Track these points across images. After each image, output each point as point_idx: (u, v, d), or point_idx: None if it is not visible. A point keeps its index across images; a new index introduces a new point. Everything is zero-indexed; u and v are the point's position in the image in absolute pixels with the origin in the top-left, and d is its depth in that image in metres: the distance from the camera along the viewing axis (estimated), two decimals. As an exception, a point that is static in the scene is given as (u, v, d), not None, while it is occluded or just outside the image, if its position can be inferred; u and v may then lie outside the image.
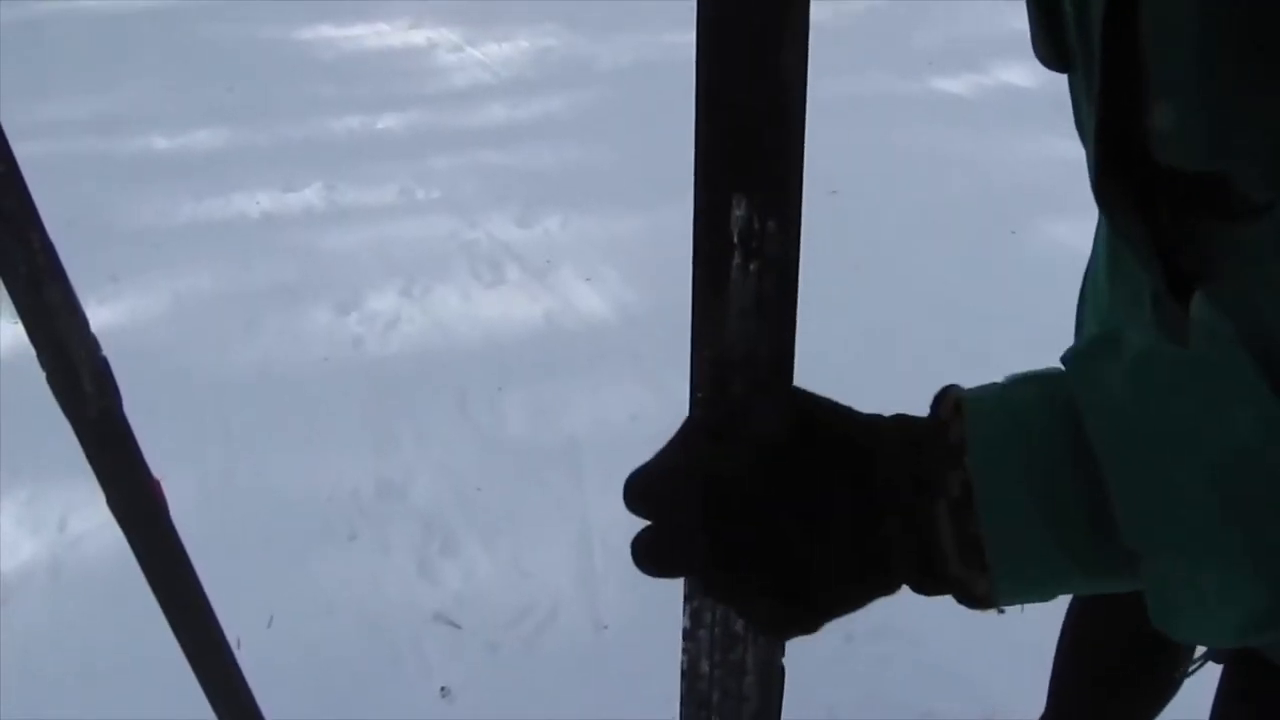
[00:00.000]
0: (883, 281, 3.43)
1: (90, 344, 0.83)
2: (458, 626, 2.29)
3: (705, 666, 0.67)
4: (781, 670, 0.69)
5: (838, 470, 0.55)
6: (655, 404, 2.80)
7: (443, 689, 2.14)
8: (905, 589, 0.57)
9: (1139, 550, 0.50)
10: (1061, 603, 1.52)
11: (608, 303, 3.43)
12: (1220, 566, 0.49)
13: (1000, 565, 0.52)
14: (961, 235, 3.70)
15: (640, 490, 0.57)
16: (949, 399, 0.56)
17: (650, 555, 0.57)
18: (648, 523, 0.57)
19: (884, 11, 6.25)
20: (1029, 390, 0.55)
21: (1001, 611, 0.57)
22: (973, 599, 0.55)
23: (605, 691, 2.08)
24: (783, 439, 0.55)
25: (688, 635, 0.67)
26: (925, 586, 0.56)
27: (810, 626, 0.59)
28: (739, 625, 0.66)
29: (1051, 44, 0.79)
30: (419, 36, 6.31)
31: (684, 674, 0.69)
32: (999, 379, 0.57)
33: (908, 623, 2.20)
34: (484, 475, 2.71)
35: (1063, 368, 0.55)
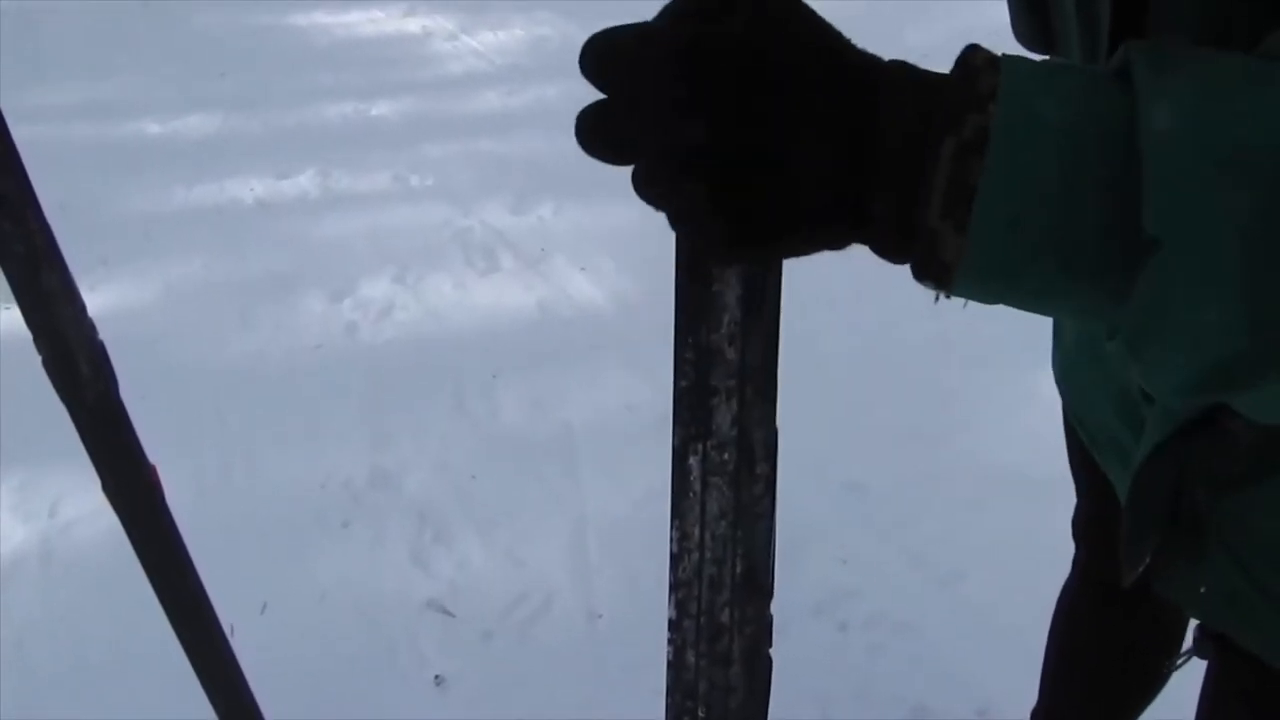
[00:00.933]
0: (877, 276, 3.42)
1: (87, 328, 0.82)
2: (451, 615, 2.29)
3: (691, 657, 0.67)
4: (768, 660, 0.69)
5: (836, 78, 0.48)
6: (649, 393, 2.79)
7: (436, 677, 2.14)
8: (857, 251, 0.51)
9: (1160, 238, 0.44)
10: (1052, 596, 1.53)
11: (602, 291, 3.43)
12: (1223, 285, 0.45)
13: (985, 226, 0.46)
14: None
15: (603, 49, 0.50)
16: (980, 54, 0.48)
17: (599, 129, 0.50)
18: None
19: (878, 8, 6.24)
20: (1081, 70, 0.49)
21: (948, 297, 0.51)
22: (932, 264, 0.49)
23: (599, 681, 2.09)
24: (777, 31, 0.48)
25: (673, 626, 0.67)
26: (888, 236, 0.50)
27: (753, 257, 0.52)
28: (725, 616, 0.66)
29: (1033, 24, 0.78)
30: (414, 24, 6.29)
31: (670, 665, 0.69)
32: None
33: (901, 615, 2.20)
34: (478, 464, 2.71)
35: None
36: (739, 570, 0.64)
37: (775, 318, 0.57)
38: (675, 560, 0.64)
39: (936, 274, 0.49)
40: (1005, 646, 2.08)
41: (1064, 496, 1.37)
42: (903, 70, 0.49)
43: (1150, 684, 1.47)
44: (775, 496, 0.63)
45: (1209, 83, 0.45)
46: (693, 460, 0.60)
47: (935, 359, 2.98)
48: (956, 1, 5.94)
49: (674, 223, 0.51)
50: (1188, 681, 1.11)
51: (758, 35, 0.47)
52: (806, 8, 0.50)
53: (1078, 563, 1.46)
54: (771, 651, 0.69)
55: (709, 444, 0.60)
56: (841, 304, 3.20)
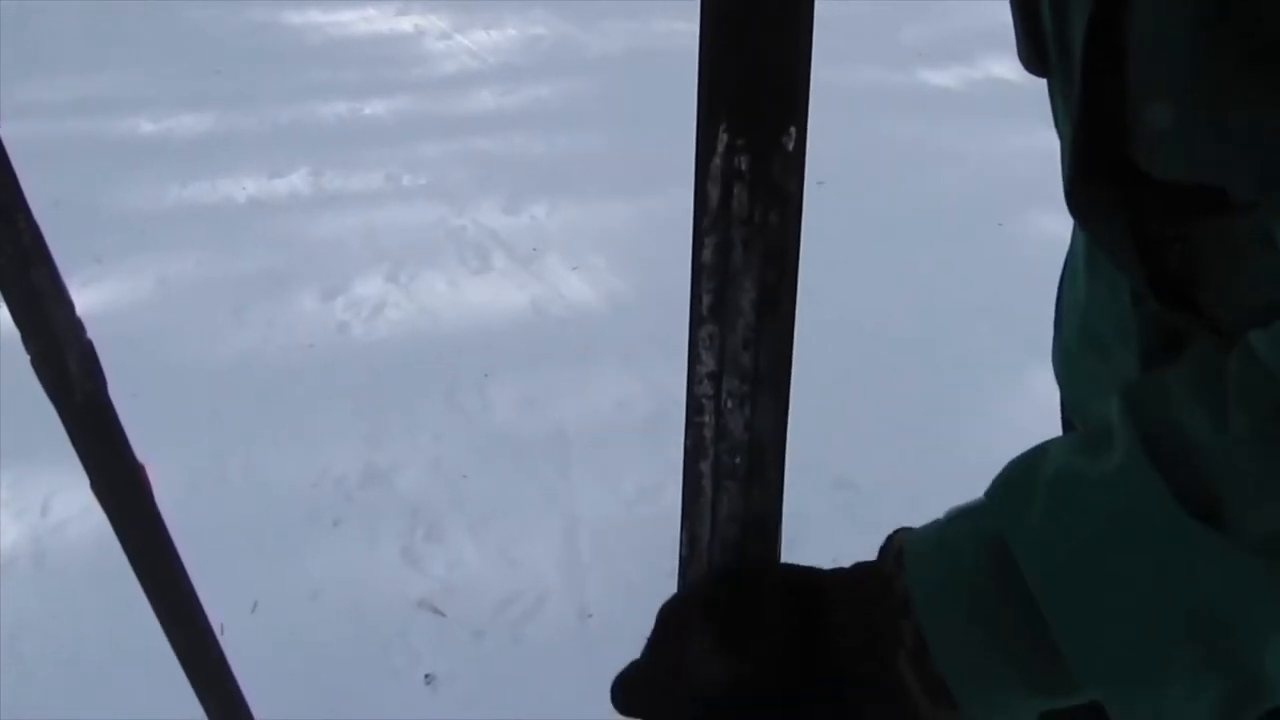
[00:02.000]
0: (870, 273, 3.44)
1: (76, 328, 0.82)
2: (443, 614, 2.29)
3: None
4: None
5: (809, 634, 0.58)
6: (641, 391, 2.80)
7: (427, 676, 2.15)
8: None
9: (1089, 683, 0.52)
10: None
11: (595, 291, 3.43)
12: (1171, 681, 0.51)
13: (966, 702, 0.54)
14: (949, 227, 3.71)
15: (629, 696, 0.63)
16: (892, 548, 0.59)
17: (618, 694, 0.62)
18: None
19: (874, 4, 6.25)
20: (964, 529, 0.57)
21: None
22: None
23: (590, 680, 2.08)
24: (755, 614, 0.60)
25: None
26: None
27: None
28: None
29: (1032, 48, 0.79)
30: (407, 23, 6.29)
31: None
32: (940, 515, 0.60)
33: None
34: (470, 463, 2.71)
35: (991, 494, 0.57)
36: None
37: (790, 322, 0.57)
38: (684, 563, 0.64)
39: None
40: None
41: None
42: (846, 596, 0.59)
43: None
44: (782, 499, 0.63)
45: (1051, 510, 0.53)
46: (704, 464, 0.60)
47: (926, 357, 2.98)
48: (953, 1, 5.96)
49: None
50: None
51: (741, 637, 0.59)
52: (772, 579, 0.62)
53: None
54: None
55: (721, 447, 0.60)
56: (832, 301, 3.20)
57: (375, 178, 4.35)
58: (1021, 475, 0.55)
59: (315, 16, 6.41)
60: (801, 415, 2.71)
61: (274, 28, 6.26)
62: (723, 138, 0.52)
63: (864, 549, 2.31)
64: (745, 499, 0.61)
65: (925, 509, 2.31)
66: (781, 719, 0.58)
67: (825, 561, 2.26)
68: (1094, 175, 0.66)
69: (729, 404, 0.58)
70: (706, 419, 0.59)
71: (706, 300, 0.55)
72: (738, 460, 0.60)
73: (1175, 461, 0.50)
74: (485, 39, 5.96)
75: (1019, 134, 4.25)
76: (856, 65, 5.24)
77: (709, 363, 0.57)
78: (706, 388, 0.58)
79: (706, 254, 0.54)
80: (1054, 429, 1.27)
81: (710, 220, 0.53)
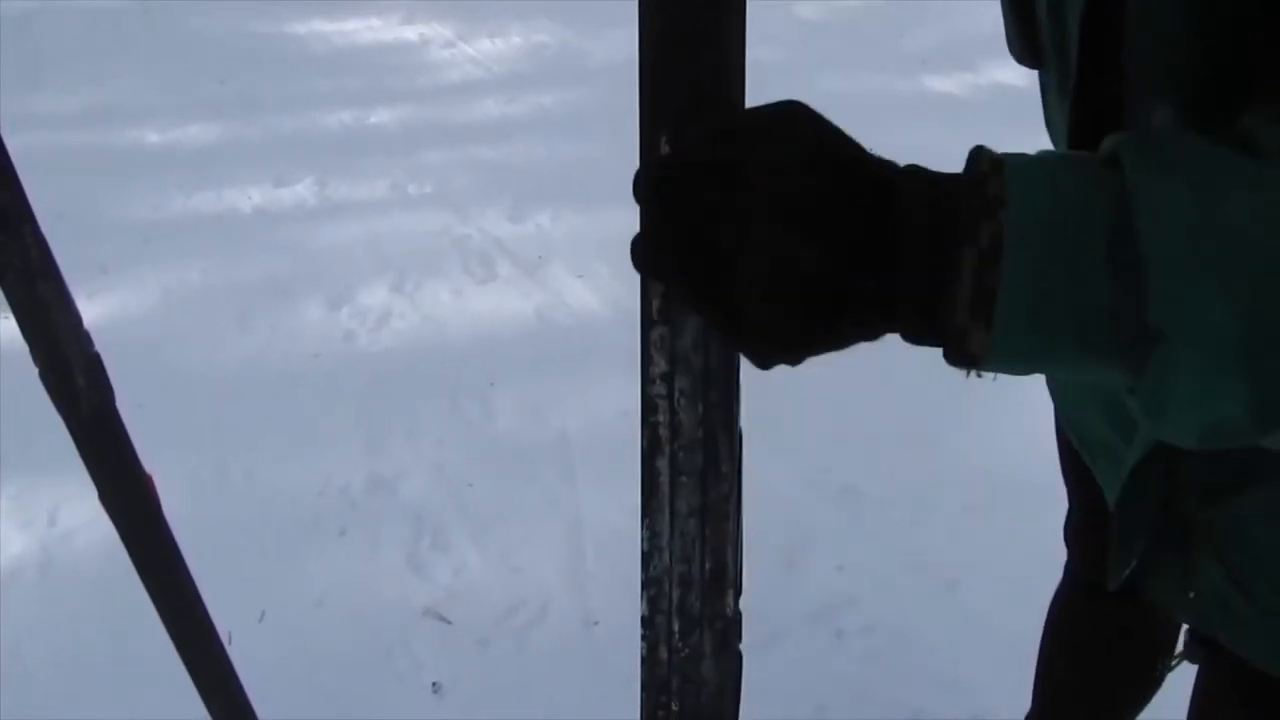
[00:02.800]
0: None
1: (83, 339, 0.83)
2: (448, 622, 2.29)
3: (664, 653, 0.69)
4: (739, 654, 0.70)
5: (863, 185, 0.54)
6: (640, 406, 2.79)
7: (434, 684, 2.15)
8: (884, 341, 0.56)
9: (1163, 329, 0.49)
10: (1048, 602, 1.53)
11: (599, 298, 3.43)
12: (1221, 374, 0.49)
13: (1007, 322, 0.51)
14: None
15: (644, 182, 0.55)
16: (988, 157, 0.54)
17: (645, 251, 0.56)
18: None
19: (877, 10, 6.26)
20: (1075, 161, 0.54)
21: (979, 376, 0.57)
22: (963, 353, 0.54)
23: (595, 688, 2.09)
24: (809, 145, 0.54)
25: (646, 623, 0.69)
26: (919, 331, 0.55)
27: (791, 359, 0.56)
28: (695, 611, 0.68)
29: (1025, 41, 0.80)
30: (411, 32, 6.30)
31: (644, 660, 0.70)
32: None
33: (897, 622, 2.20)
34: (475, 471, 2.71)
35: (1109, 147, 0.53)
36: (708, 567, 0.66)
37: None
38: (646, 558, 0.67)
39: (968, 362, 0.54)
40: (1001, 652, 2.08)
41: (1060, 502, 1.38)
42: (917, 178, 0.55)
43: (1144, 688, 1.47)
44: (741, 495, 0.65)
45: (1196, 184, 0.50)
46: (660, 461, 0.62)
47: (931, 364, 2.97)
48: (953, 4, 5.96)
49: (719, 326, 0.56)
50: (1181, 684, 1.12)
51: (781, 156, 0.53)
52: (826, 125, 0.56)
53: (1069, 567, 1.46)
54: (742, 647, 0.70)
55: (676, 445, 0.62)
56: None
57: (380, 186, 4.36)
58: (1152, 145, 0.52)
59: (320, 26, 6.42)
60: (808, 424, 2.74)
61: (279, 37, 6.27)
62: (664, 149, 0.55)
63: (871, 556, 2.34)
64: (702, 494, 0.63)
65: (932, 516, 2.34)
66: (818, 243, 0.52)
67: (831, 569, 2.28)
68: None
69: (681, 402, 0.60)
70: (661, 418, 0.61)
71: (655, 303, 0.58)
72: (693, 456, 0.62)
73: None
74: (490, 48, 5.97)
75: (1024, 140, 4.22)
76: (859, 72, 5.24)
77: (661, 363, 0.60)
78: (660, 388, 0.60)
79: None
80: (1057, 436, 1.27)
81: None
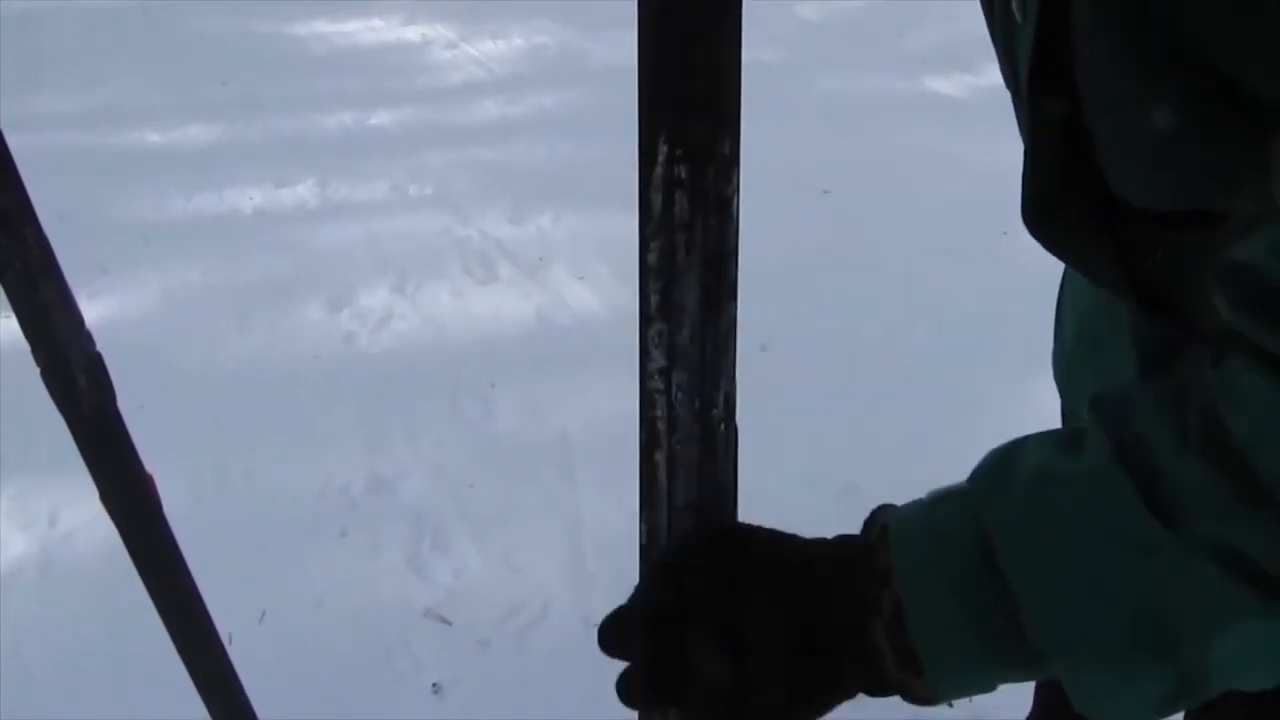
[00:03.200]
0: (875, 281, 3.44)
1: (84, 340, 0.83)
2: (448, 623, 2.29)
3: None
4: None
5: (789, 606, 0.62)
6: (638, 402, 2.80)
7: (434, 685, 2.15)
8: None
9: (1049, 653, 0.57)
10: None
11: (600, 300, 3.43)
12: (1123, 663, 0.56)
13: (934, 671, 0.59)
14: (954, 236, 3.71)
15: (614, 638, 0.66)
16: (877, 523, 0.63)
17: (634, 694, 0.66)
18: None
19: (877, 11, 6.26)
20: (948, 510, 0.61)
21: (951, 705, 0.65)
22: (914, 699, 0.62)
23: (595, 688, 2.08)
24: (743, 569, 0.63)
25: None
26: (874, 691, 0.63)
27: None
28: None
29: (1008, 76, 0.81)
30: (413, 32, 6.30)
31: None
32: (923, 495, 0.64)
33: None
34: (475, 472, 2.71)
35: (973, 480, 0.61)
36: None
37: (732, 317, 0.61)
38: (644, 552, 0.68)
39: (924, 703, 0.62)
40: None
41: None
42: (831, 565, 0.63)
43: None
44: (737, 489, 0.66)
45: (1035, 510, 0.57)
46: (659, 455, 0.64)
47: (932, 365, 2.98)
48: (954, 5, 5.96)
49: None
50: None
51: (723, 605, 0.62)
52: (757, 547, 0.65)
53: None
54: None
55: (674, 439, 0.63)
56: (840, 311, 3.21)
57: (381, 187, 4.36)
58: (1003, 465, 0.60)
59: (322, 26, 6.42)
60: (809, 423, 2.74)
61: (280, 38, 6.27)
62: (663, 149, 0.55)
63: (869, 557, 2.25)
64: (700, 488, 0.65)
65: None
66: (759, 663, 0.61)
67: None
68: (1060, 208, 0.69)
69: (679, 396, 0.62)
70: (659, 412, 0.63)
71: (654, 300, 0.59)
72: (690, 451, 0.63)
73: (1142, 469, 0.54)
74: (491, 49, 5.98)
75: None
76: (859, 73, 5.25)
77: (659, 359, 0.61)
78: (658, 382, 0.62)
79: (652, 257, 0.58)
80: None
81: (654, 226, 0.57)
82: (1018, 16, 0.66)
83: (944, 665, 0.59)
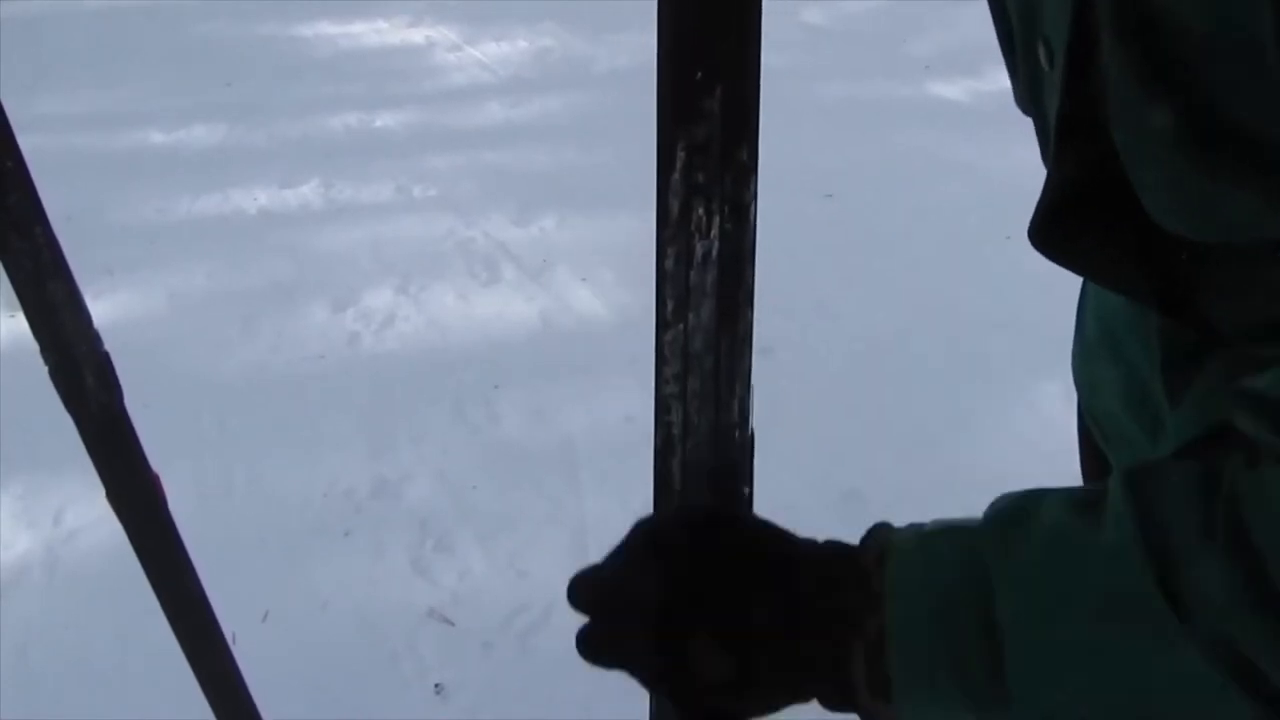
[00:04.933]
0: (878, 286, 3.44)
1: (92, 339, 0.84)
2: (452, 624, 2.29)
3: None
4: None
5: (767, 592, 0.61)
6: (650, 405, 2.80)
7: (437, 686, 2.15)
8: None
9: (1026, 712, 0.56)
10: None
11: (603, 303, 3.44)
12: None
13: (904, 702, 0.58)
14: (958, 240, 3.71)
15: (583, 595, 0.64)
16: (875, 544, 0.62)
17: (589, 650, 0.64)
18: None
19: (881, 16, 6.26)
20: (950, 546, 0.60)
21: None
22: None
23: (598, 690, 2.09)
24: (720, 556, 0.62)
25: None
26: (835, 705, 0.62)
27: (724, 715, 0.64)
28: None
29: (1023, 96, 0.81)
30: (417, 35, 6.31)
31: None
32: (927, 522, 0.64)
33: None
34: (479, 474, 2.71)
35: (984, 524, 0.60)
36: None
37: (748, 323, 0.61)
38: None
39: None
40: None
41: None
42: (820, 571, 0.62)
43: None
44: (753, 495, 0.67)
45: (1045, 563, 0.56)
46: (674, 461, 0.64)
47: (936, 369, 2.98)
48: (957, 10, 5.97)
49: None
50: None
51: (695, 577, 0.61)
52: (745, 529, 0.64)
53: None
54: None
55: (689, 444, 0.63)
56: (843, 315, 3.21)
57: (385, 189, 4.37)
58: (1019, 516, 0.58)
59: (326, 29, 6.44)
60: (812, 428, 2.74)
61: (284, 40, 6.29)
62: (680, 154, 0.55)
63: (872, 560, 2.24)
64: (714, 494, 0.65)
65: (933, 520, 2.24)
66: (727, 645, 0.60)
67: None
68: (1080, 234, 0.68)
69: (695, 403, 0.62)
70: (674, 418, 0.63)
71: (670, 306, 0.59)
72: (705, 456, 0.64)
73: (1164, 553, 0.53)
74: (496, 51, 5.98)
75: (1027, 146, 4.22)
76: (863, 78, 5.25)
77: (674, 364, 0.61)
78: (673, 388, 0.62)
79: (669, 263, 0.58)
80: (1066, 443, 1.27)
81: (671, 231, 0.57)
82: (1044, 64, 0.65)
83: (917, 699, 0.59)
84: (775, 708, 0.62)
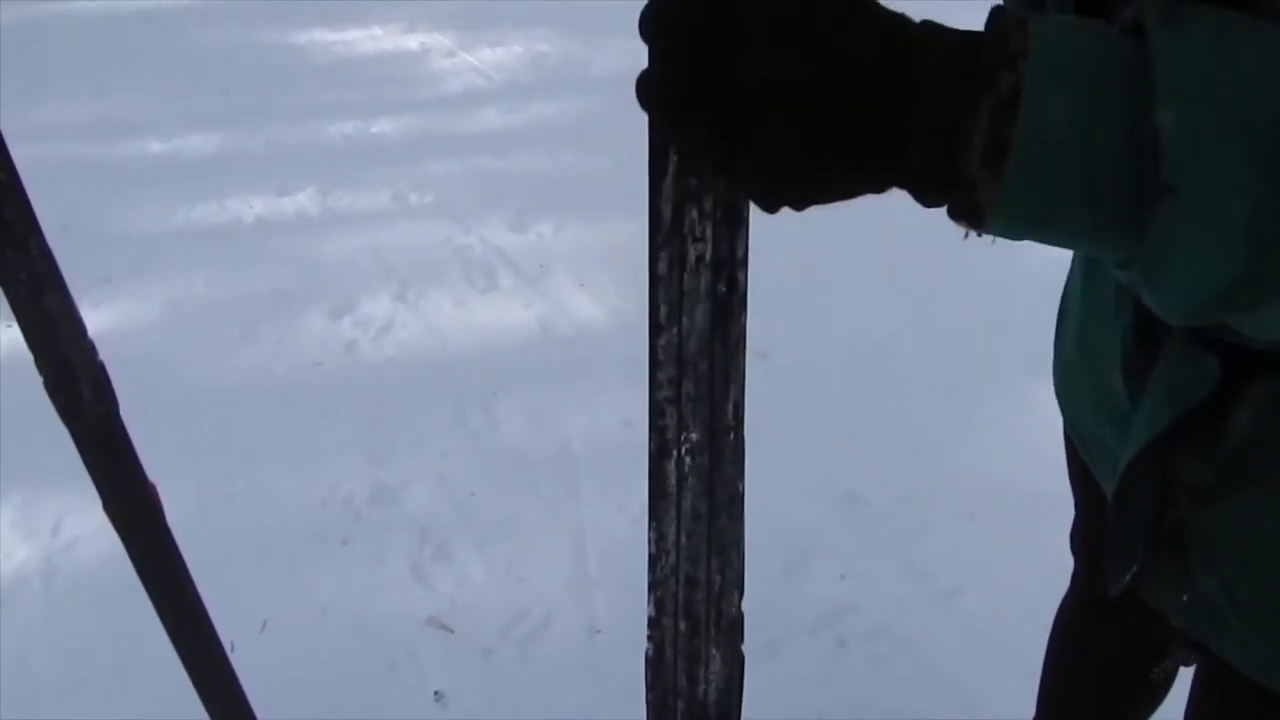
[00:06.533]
0: (874, 289, 3.44)
1: (88, 350, 0.83)
2: (451, 631, 2.29)
3: (670, 653, 0.70)
4: (741, 656, 0.71)
5: (873, 27, 0.52)
6: (648, 409, 2.80)
7: (436, 693, 2.15)
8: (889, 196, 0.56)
9: (1173, 187, 0.49)
10: (1050, 610, 1.53)
11: (601, 309, 3.44)
12: (1226, 231, 0.49)
13: (1019, 175, 0.51)
14: (954, 243, 3.70)
15: (649, 14, 0.53)
16: (1009, 14, 0.53)
17: (650, 88, 0.53)
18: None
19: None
20: (1100, 27, 0.53)
21: (979, 234, 0.57)
22: (970, 207, 0.54)
23: (598, 696, 2.09)
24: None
25: (652, 624, 0.69)
26: (926, 180, 0.55)
27: (798, 195, 0.56)
28: (701, 612, 0.68)
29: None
30: (413, 41, 6.32)
31: (649, 661, 0.71)
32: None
33: (900, 630, 2.21)
34: (478, 481, 2.71)
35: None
36: (714, 568, 0.67)
37: (741, 327, 0.61)
38: (653, 560, 0.68)
39: (973, 216, 0.54)
40: (1003, 660, 2.09)
41: (1063, 511, 1.38)
42: (935, 27, 0.53)
43: (1148, 697, 1.47)
44: (744, 498, 0.66)
45: (1219, 46, 0.50)
46: (668, 464, 0.63)
47: (934, 373, 2.98)
48: (954, 11, 5.96)
49: (722, 163, 0.54)
50: (1180, 684, 1.12)
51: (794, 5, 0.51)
52: None
53: (1075, 577, 1.46)
54: (745, 651, 0.71)
55: (684, 448, 0.63)
56: (840, 318, 3.21)
57: (382, 196, 4.37)
58: (1175, 11, 0.51)
59: (322, 36, 6.44)
60: (809, 431, 2.74)
61: (281, 48, 6.29)
62: (673, 158, 0.55)
63: (873, 564, 2.34)
64: (709, 496, 0.65)
65: (934, 525, 2.35)
66: (823, 82, 0.51)
67: (834, 577, 2.29)
68: None
69: (689, 406, 0.62)
70: (669, 421, 0.63)
71: (664, 310, 0.59)
72: (700, 459, 0.63)
73: None
74: (491, 57, 5.99)
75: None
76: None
77: (669, 368, 0.61)
78: (667, 392, 0.62)
79: (662, 266, 0.58)
80: (1060, 446, 1.27)
81: (664, 236, 0.57)
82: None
83: (1032, 180, 0.51)
84: (857, 179, 0.55)
